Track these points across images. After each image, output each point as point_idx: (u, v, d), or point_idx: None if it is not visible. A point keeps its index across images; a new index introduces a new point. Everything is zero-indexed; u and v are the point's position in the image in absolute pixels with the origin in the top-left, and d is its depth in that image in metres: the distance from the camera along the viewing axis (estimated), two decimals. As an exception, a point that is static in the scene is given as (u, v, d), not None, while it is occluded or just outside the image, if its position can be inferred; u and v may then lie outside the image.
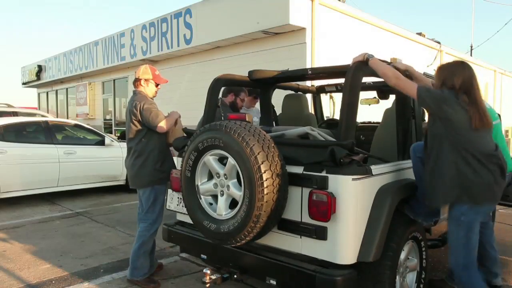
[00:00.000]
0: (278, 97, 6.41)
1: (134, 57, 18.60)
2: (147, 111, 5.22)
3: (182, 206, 4.59)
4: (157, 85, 5.57)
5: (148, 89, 5.49)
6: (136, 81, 5.50)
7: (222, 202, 3.86)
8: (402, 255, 4.22)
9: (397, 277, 4.11)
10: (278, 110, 6.69)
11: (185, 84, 16.15)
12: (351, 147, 3.61)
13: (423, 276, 4.62)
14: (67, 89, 28.30)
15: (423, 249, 4.57)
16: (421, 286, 4.61)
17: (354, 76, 3.96)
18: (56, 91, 30.15)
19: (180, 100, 15.72)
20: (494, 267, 5.21)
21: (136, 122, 5.30)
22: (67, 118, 25.83)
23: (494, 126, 4.58)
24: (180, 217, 4.97)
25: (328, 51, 12.67)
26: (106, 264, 6.21)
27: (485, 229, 5.13)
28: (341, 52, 12.73)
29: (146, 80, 5.46)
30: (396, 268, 4.05)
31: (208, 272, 4.34)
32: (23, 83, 32.18)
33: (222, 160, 3.85)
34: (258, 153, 3.47)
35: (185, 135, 4.98)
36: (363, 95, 5.56)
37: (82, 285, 5.48)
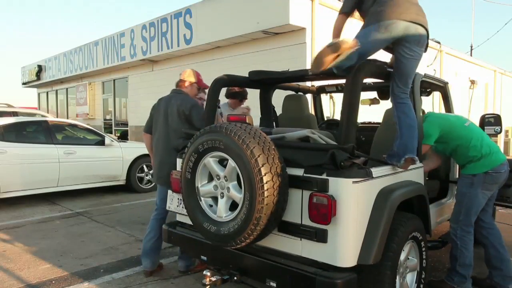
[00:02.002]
0: (279, 98, 6.41)
1: (134, 57, 18.60)
2: (199, 110, 5.46)
3: (182, 207, 4.59)
4: (198, 89, 5.86)
5: (191, 91, 5.77)
6: (181, 82, 5.79)
7: (222, 204, 3.86)
8: (402, 255, 4.22)
9: (397, 277, 4.12)
10: (279, 111, 6.68)
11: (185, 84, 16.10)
12: (352, 151, 3.60)
13: (423, 276, 4.62)
14: (67, 89, 28.34)
15: (423, 249, 4.57)
16: (421, 286, 4.61)
17: (355, 77, 3.96)
18: (56, 91, 30.19)
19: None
20: (510, 270, 5.21)
21: (183, 121, 5.47)
22: (67, 118, 25.86)
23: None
24: (180, 218, 4.97)
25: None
26: (106, 264, 6.22)
27: (491, 229, 5.25)
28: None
29: (190, 82, 5.77)
30: (396, 268, 4.06)
31: (208, 274, 4.34)
32: (23, 83, 32.19)
33: (222, 162, 3.85)
34: (259, 156, 3.46)
35: None
36: (364, 95, 5.57)
37: (82, 285, 5.49)
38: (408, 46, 4.15)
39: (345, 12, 4.60)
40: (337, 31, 4.62)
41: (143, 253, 5.78)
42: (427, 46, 4.36)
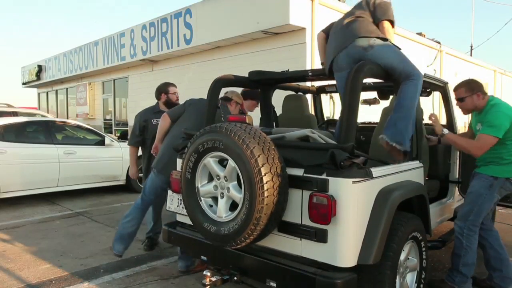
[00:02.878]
0: (279, 98, 6.41)
1: (134, 57, 18.61)
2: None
3: (182, 208, 4.59)
4: (240, 111, 6.01)
5: (234, 110, 5.91)
6: (230, 100, 5.94)
7: (222, 204, 3.86)
8: (402, 255, 4.22)
9: (397, 277, 4.12)
10: (279, 111, 6.68)
11: (185, 84, 16.11)
12: (351, 150, 3.61)
13: (423, 276, 4.62)
14: (67, 89, 28.33)
15: (423, 249, 4.57)
16: (421, 286, 4.61)
17: (354, 77, 3.96)
18: (56, 91, 30.18)
19: (180, 101, 15.75)
20: (510, 271, 5.21)
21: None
22: (67, 118, 25.85)
23: None
24: (180, 218, 4.97)
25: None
26: (106, 264, 6.22)
27: (490, 231, 5.23)
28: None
29: (237, 103, 5.94)
30: (396, 268, 4.05)
31: (208, 274, 4.34)
32: (23, 83, 32.19)
33: (222, 162, 3.85)
34: (259, 156, 3.46)
35: None
36: (363, 95, 5.58)
37: (82, 285, 5.50)
38: None
39: (324, 31, 5.16)
40: (322, 50, 5.11)
41: (118, 237, 5.88)
42: None
